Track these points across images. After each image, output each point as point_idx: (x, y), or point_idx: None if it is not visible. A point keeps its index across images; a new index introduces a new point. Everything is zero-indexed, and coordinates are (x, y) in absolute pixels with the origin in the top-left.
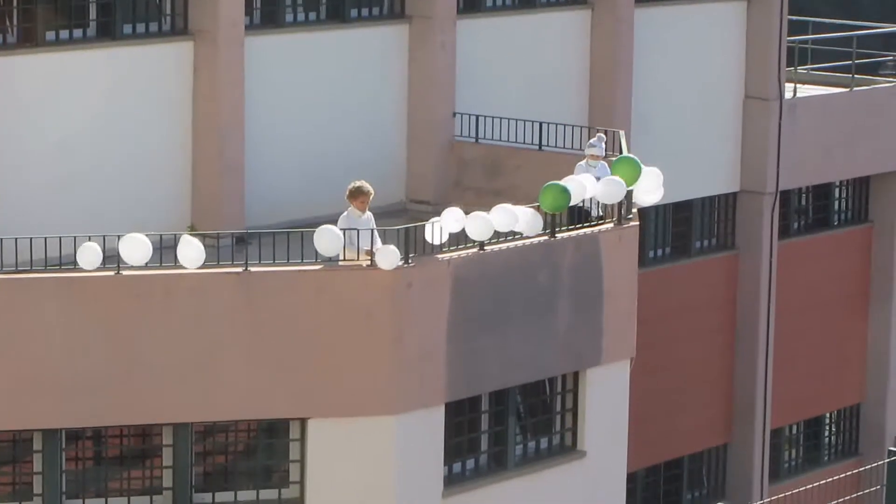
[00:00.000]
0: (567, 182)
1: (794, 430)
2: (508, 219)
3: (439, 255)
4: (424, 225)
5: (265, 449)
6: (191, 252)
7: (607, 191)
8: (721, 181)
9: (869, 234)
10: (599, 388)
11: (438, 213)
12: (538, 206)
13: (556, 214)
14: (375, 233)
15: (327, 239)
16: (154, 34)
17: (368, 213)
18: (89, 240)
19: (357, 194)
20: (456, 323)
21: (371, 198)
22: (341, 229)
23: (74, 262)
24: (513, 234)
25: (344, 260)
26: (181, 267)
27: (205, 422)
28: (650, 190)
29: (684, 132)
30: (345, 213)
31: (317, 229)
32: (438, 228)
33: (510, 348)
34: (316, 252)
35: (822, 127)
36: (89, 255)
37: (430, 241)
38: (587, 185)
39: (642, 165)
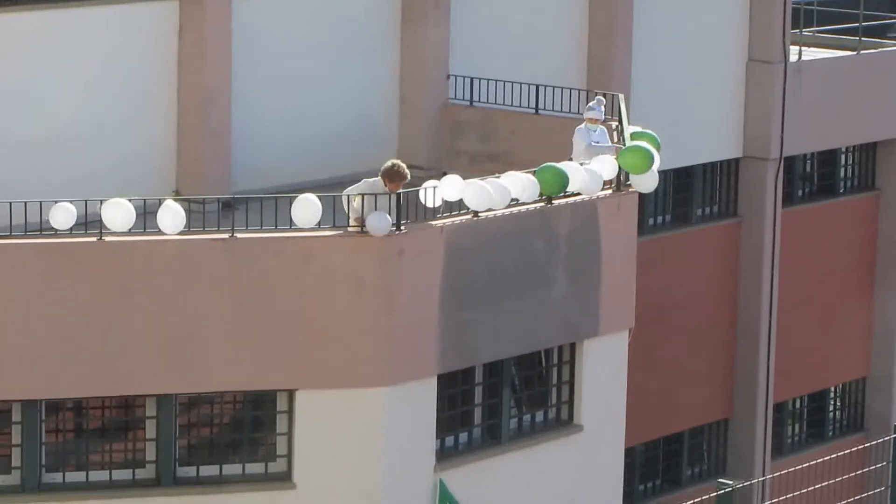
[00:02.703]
0: (566, 167)
1: (798, 405)
2: (503, 194)
3: (432, 222)
4: (418, 190)
5: (251, 421)
6: (171, 218)
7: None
8: (723, 147)
9: (876, 201)
10: (597, 359)
11: (432, 177)
12: (535, 171)
13: None
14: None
15: (306, 208)
16: None
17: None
18: (71, 205)
19: (394, 178)
20: (449, 291)
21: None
22: (358, 194)
23: (55, 228)
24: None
25: (350, 222)
26: (165, 232)
27: (189, 393)
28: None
29: (685, 95)
30: (372, 180)
31: (296, 198)
32: (433, 192)
33: (505, 318)
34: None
35: (828, 91)
36: (62, 215)
37: (425, 205)
38: (580, 174)
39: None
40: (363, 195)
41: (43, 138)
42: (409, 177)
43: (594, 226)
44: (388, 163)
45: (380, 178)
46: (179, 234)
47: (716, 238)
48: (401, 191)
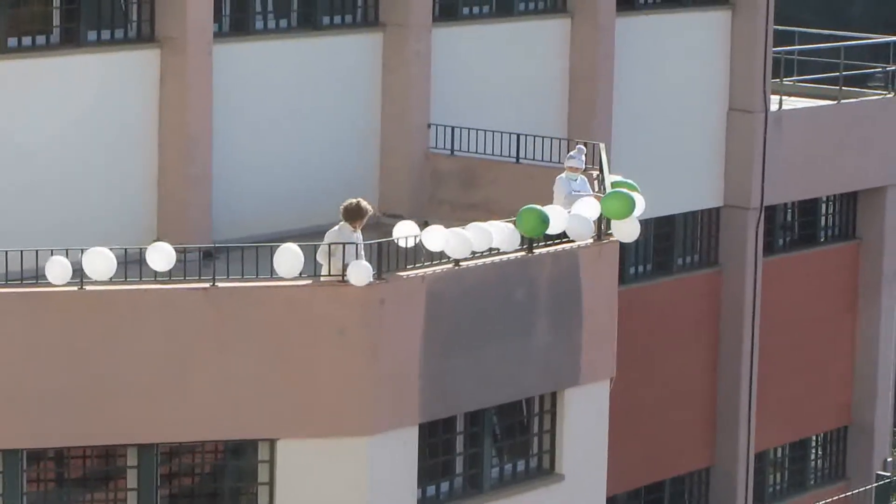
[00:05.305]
0: (548, 210)
1: (780, 453)
2: (484, 238)
3: (413, 271)
4: (398, 239)
5: (233, 471)
6: (160, 258)
7: (574, 226)
8: (704, 196)
9: (856, 251)
10: (578, 408)
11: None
12: (515, 220)
13: None
14: (361, 250)
15: (288, 259)
16: (120, 41)
17: (359, 233)
18: (52, 254)
19: (355, 215)
20: (430, 341)
21: (367, 218)
22: (329, 244)
23: (36, 276)
24: (489, 250)
25: (328, 273)
26: (146, 282)
27: (171, 443)
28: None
29: (666, 145)
30: (336, 228)
31: (279, 248)
32: (410, 234)
33: (486, 367)
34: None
35: (809, 140)
36: (58, 269)
37: (405, 248)
38: (562, 216)
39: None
40: (342, 244)
41: (24, 186)
42: (370, 210)
43: (575, 275)
44: (346, 202)
45: (343, 222)
46: (161, 283)
47: (696, 287)
48: (382, 240)
